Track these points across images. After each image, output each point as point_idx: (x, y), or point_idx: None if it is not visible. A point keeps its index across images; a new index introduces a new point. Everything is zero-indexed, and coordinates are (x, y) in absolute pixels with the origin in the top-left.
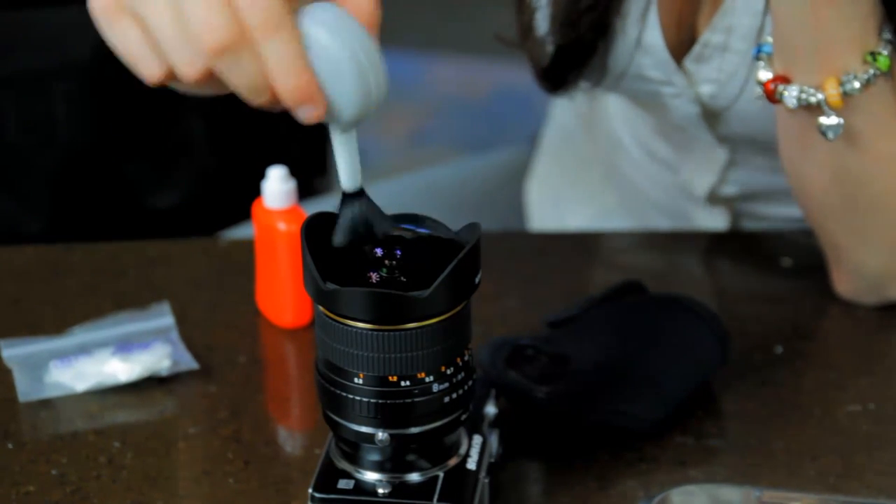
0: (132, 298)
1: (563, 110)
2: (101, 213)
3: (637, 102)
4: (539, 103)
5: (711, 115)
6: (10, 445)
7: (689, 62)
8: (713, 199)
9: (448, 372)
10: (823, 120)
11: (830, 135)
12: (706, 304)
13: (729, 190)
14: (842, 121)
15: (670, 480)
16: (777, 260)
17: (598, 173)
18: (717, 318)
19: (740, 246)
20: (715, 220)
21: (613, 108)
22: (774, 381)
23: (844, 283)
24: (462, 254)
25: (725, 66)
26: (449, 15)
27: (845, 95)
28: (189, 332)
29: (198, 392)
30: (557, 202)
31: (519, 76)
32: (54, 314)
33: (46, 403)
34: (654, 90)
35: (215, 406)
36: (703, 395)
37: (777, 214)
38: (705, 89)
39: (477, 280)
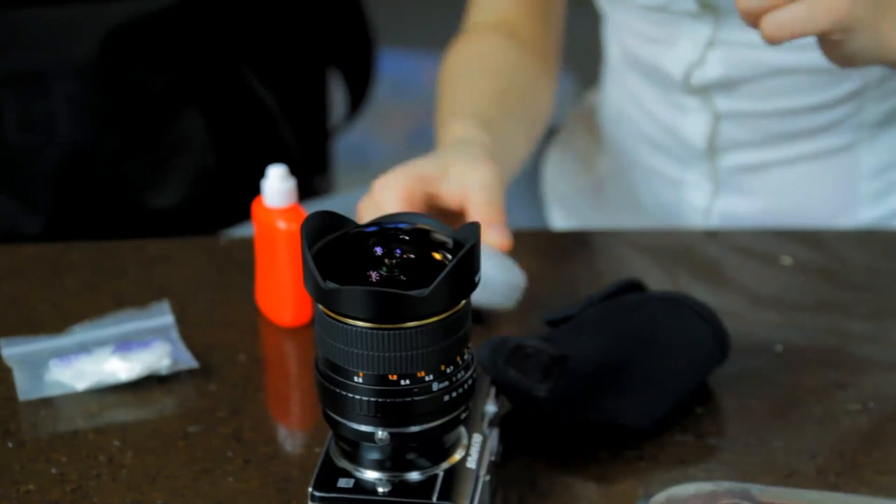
0: (132, 298)
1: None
2: (101, 213)
3: None
4: None
5: None
6: (10, 444)
7: None
8: (692, 89)
9: (448, 371)
10: None
11: None
12: (706, 302)
13: (710, 73)
14: None
15: (670, 479)
16: (777, 259)
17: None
18: (717, 317)
19: (740, 244)
20: (701, 191)
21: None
22: (774, 380)
23: None
24: (462, 253)
25: None
26: (449, 15)
27: None
28: (189, 331)
29: (198, 391)
30: (571, 190)
31: None
32: (54, 313)
33: (46, 402)
34: None
35: (215, 405)
36: (703, 394)
37: (760, 186)
38: None
39: (477, 279)
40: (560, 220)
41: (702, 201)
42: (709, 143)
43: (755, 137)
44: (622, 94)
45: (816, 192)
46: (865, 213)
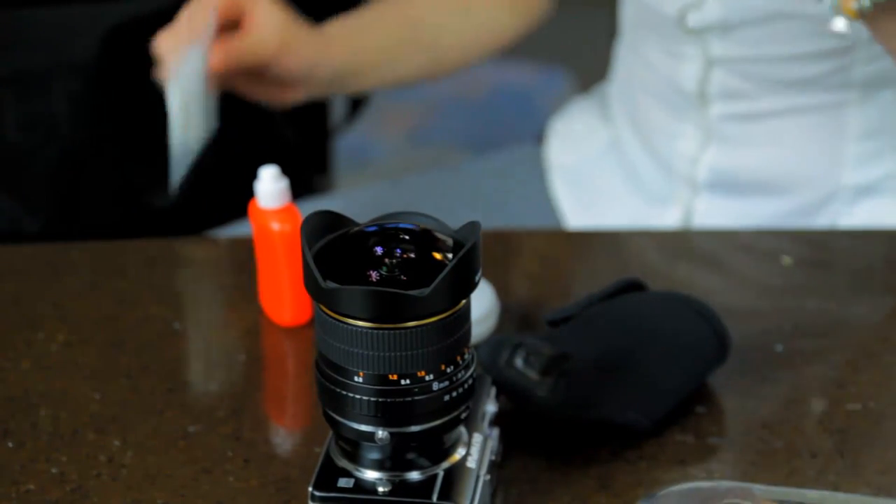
0: (132, 298)
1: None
2: (100, 213)
3: None
4: (539, 102)
5: None
6: (10, 444)
7: None
8: (688, 31)
9: (448, 370)
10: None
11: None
12: (706, 301)
13: (708, 15)
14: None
15: (670, 479)
16: (777, 258)
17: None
18: (717, 316)
19: (740, 244)
20: (691, 140)
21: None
22: (774, 379)
23: None
24: (462, 252)
25: None
26: None
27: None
28: (189, 330)
29: (197, 390)
30: (578, 156)
31: (519, 76)
32: (54, 314)
33: (46, 402)
34: None
35: (215, 404)
36: (703, 393)
37: (748, 138)
38: None
39: (477, 279)
40: (560, 190)
41: (692, 150)
42: (700, 89)
43: (745, 86)
44: (630, 55)
45: (803, 148)
46: (850, 177)
